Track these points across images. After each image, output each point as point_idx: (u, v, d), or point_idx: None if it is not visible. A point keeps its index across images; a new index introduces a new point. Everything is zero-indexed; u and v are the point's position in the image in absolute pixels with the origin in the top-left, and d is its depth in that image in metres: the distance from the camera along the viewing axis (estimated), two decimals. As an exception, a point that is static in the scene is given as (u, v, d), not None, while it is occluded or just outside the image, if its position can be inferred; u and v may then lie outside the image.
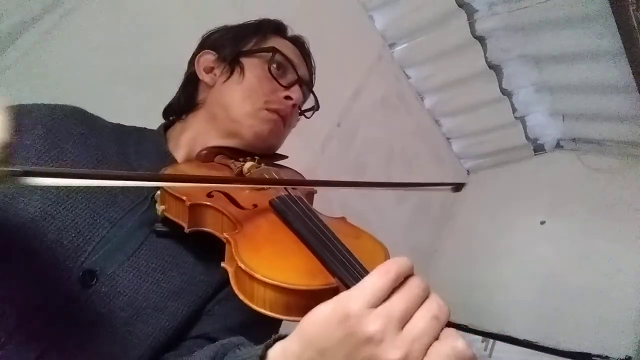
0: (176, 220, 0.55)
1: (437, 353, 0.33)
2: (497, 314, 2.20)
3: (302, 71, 0.77)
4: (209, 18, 1.32)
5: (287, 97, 0.72)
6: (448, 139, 2.63)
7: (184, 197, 0.53)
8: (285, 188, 0.59)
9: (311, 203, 0.67)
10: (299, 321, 0.37)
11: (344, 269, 0.41)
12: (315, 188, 0.70)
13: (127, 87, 1.19)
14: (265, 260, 0.44)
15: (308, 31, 1.81)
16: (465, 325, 2.28)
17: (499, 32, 1.99)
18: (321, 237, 0.47)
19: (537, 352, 2.02)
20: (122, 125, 0.71)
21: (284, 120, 0.73)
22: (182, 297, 0.56)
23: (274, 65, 0.72)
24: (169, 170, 0.61)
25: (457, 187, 0.67)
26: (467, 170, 2.80)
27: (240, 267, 0.42)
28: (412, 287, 0.36)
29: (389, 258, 0.49)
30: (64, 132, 0.60)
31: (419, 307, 0.36)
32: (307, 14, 1.79)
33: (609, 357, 1.82)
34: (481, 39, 2.04)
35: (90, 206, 0.56)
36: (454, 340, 0.34)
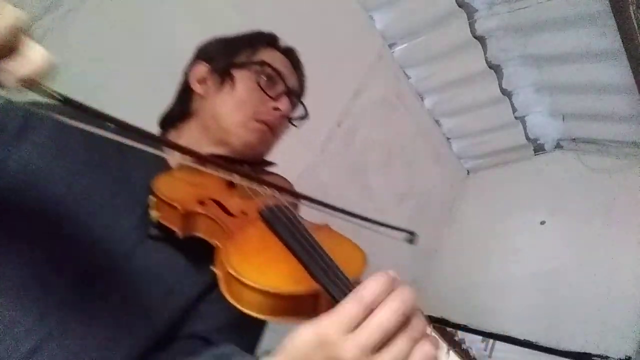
0: (170, 226, 0.58)
1: None
2: (497, 314, 2.20)
3: (292, 82, 0.81)
4: (209, 18, 1.33)
5: (276, 108, 0.75)
6: (448, 139, 2.63)
7: (178, 206, 0.56)
8: (273, 196, 0.63)
9: (296, 210, 0.71)
10: (283, 322, 0.42)
11: (325, 276, 0.46)
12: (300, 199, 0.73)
13: (127, 87, 1.19)
14: (253, 267, 0.47)
15: (308, 32, 1.81)
16: (465, 325, 2.28)
17: (499, 32, 1.99)
18: (305, 246, 0.51)
19: (537, 352, 2.02)
20: None
21: (273, 130, 0.77)
22: (174, 297, 0.58)
23: (264, 77, 0.76)
24: (163, 178, 0.63)
25: (411, 238, 0.73)
26: (467, 170, 2.80)
27: (229, 272, 0.46)
28: (389, 315, 0.38)
29: (366, 263, 0.55)
30: (69, 129, 0.61)
31: (399, 329, 0.38)
32: (308, 15, 1.79)
33: (609, 357, 1.82)
34: (481, 39, 2.04)
35: (87, 208, 0.58)
36: (426, 352, 0.38)
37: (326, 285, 0.44)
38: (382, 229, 0.70)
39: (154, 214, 0.59)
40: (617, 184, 2.16)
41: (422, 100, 2.41)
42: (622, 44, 1.67)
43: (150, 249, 0.60)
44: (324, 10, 1.85)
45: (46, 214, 0.54)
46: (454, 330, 2.79)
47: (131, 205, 0.61)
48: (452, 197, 2.70)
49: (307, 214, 0.68)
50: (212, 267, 0.51)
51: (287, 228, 0.55)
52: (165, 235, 0.59)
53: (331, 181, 1.88)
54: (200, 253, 0.55)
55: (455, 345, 3.11)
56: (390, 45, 2.18)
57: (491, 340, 3.01)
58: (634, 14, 1.52)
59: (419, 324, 0.39)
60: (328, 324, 0.38)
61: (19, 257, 0.52)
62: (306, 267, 0.48)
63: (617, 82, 1.89)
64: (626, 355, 1.78)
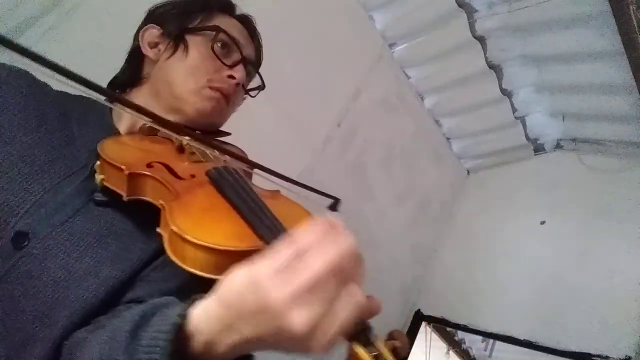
0: (115, 189, 0.56)
1: (341, 318, 0.37)
2: (497, 314, 2.21)
3: (248, 51, 0.78)
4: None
5: (231, 76, 0.73)
6: (448, 139, 2.63)
7: (123, 167, 0.54)
8: (224, 161, 0.62)
9: (249, 179, 0.69)
10: None
11: (270, 232, 0.45)
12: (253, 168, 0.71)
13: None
14: (196, 224, 0.47)
15: (308, 31, 1.81)
16: (465, 325, 2.28)
17: (499, 32, 1.99)
18: (251, 204, 0.51)
19: (537, 352, 2.02)
20: (67, 93, 0.69)
21: (227, 98, 0.74)
22: (117, 262, 0.56)
23: (218, 44, 0.73)
24: (110, 141, 0.61)
25: (334, 204, 0.71)
26: (467, 170, 2.81)
27: (173, 230, 0.45)
28: (321, 262, 0.37)
29: None
30: (6, 90, 0.60)
31: (332, 275, 0.37)
32: (308, 14, 1.79)
33: (609, 357, 1.82)
34: (481, 39, 2.04)
35: (25, 170, 0.56)
36: (353, 295, 0.37)
37: (270, 242, 0.43)
38: (309, 193, 0.68)
39: (98, 177, 0.57)
40: (617, 184, 2.17)
41: (422, 100, 2.41)
42: (622, 44, 1.67)
43: (94, 214, 0.57)
44: (324, 10, 1.85)
45: None
46: (454, 330, 2.80)
47: (74, 170, 0.59)
48: (452, 197, 2.70)
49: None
50: (158, 229, 0.50)
51: (233, 187, 0.54)
52: (111, 199, 0.57)
53: (331, 181, 1.88)
54: (150, 221, 0.53)
55: (455, 345, 3.11)
56: (390, 45, 2.18)
57: (491, 340, 3.01)
58: (634, 14, 1.52)
59: (354, 270, 0.38)
60: (260, 267, 0.37)
61: None
62: (250, 224, 0.48)
63: (617, 82, 1.89)
64: (626, 355, 1.78)
